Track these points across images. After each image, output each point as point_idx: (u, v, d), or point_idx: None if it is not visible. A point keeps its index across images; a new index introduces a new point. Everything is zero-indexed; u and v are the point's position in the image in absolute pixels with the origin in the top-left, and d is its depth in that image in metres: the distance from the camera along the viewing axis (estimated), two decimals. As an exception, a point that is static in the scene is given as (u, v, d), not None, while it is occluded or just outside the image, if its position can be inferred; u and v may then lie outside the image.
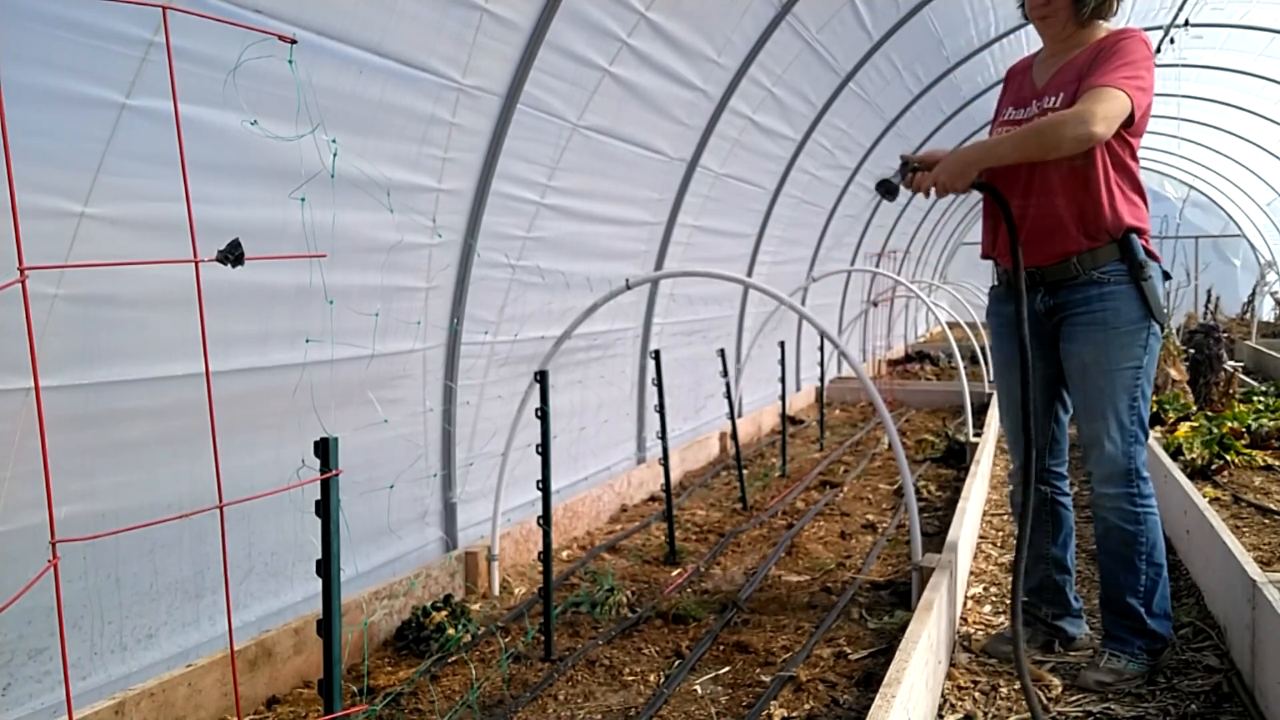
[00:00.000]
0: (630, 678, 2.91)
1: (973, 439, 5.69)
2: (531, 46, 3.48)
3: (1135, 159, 2.69)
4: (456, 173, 3.44)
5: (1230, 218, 17.68)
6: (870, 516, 4.84)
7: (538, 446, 3.03)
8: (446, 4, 3.03)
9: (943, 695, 2.75)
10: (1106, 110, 2.44)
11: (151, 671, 2.52)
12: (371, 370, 3.23)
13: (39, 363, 2.07)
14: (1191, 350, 6.76)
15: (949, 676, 2.87)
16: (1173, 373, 6.50)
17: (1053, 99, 2.66)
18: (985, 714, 2.64)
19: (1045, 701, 2.70)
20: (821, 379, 7.64)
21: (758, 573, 3.87)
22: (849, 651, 3.04)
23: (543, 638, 3.09)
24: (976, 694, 2.77)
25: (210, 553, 2.69)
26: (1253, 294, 16.09)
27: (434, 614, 3.20)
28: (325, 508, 1.75)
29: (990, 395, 7.58)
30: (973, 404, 6.17)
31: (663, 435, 4.07)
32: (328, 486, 1.74)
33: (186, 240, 1.74)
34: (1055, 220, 2.66)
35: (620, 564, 4.05)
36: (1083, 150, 2.54)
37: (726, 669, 2.95)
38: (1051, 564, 2.98)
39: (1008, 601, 3.41)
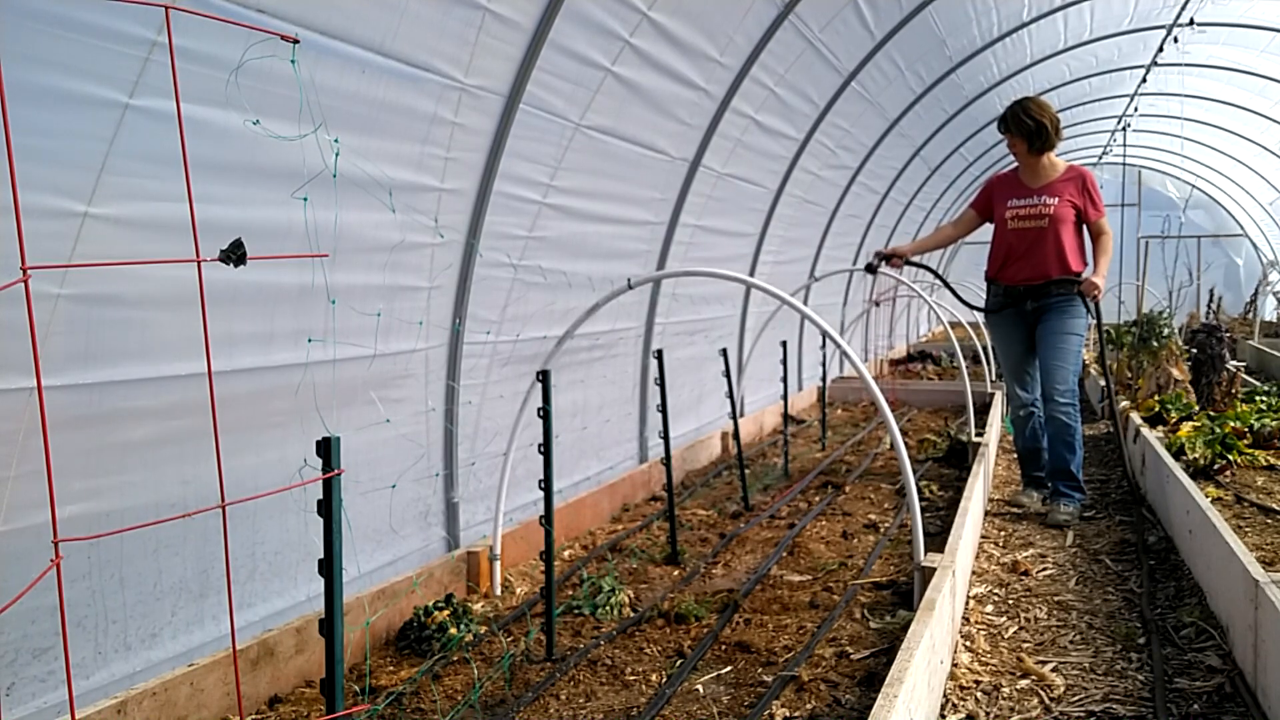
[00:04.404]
0: (632, 677, 2.91)
1: (975, 439, 5.68)
2: (534, 46, 3.48)
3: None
4: (459, 172, 3.44)
5: (1232, 217, 17.68)
6: (872, 516, 4.84)
7: (540, 446, 3.03)
8: (449, 4, 3.03)
9: (945, 695, 2.75)
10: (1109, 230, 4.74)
11: (156, 671, 2.53)
12: (374, 370, 3.23)
13: (42, 362, 2.08)
14: (1194, 350, 6.73)
15: (951, 676, 2.88)
16: (1175, 372, 6.47)
17: (1050, 198, 4.59)
18: (987, 714, 2.64)
19: (1047, 701, 2.70)
20: (823, 378, 7.64)
21: (759, 572, 3.87)
22: (851, 651, 3.04)
23: (545, 637, 3.09)
24: (979, 694, 2.77)
25: (215, 552, 2.69)
26: (1255, 293, 16.07)
27: (436, 613, 3.20)
28: (327, 507, 1.75)
29: (993, 395, 7.74)
30: (975, 403, 6.15)
31: (665, 435, 4.06)
32: (330, 486, 1.74)
33: (189, 240, 1.74)
34: (1047, 264, 4.62)
35: (622, 563, 4.05)
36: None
37: (728, 669, 2.96)
38: (1038, 451, 4.86)
39: (1010, 602, 3.58)
